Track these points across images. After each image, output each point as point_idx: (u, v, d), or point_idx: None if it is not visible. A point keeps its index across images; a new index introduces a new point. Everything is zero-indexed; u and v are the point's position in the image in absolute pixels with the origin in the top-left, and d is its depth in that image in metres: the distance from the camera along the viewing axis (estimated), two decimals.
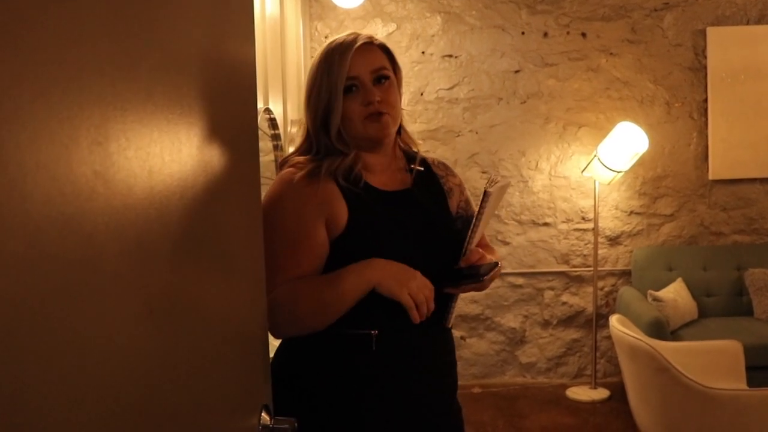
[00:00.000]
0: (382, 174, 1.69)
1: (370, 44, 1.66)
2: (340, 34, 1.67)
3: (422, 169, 1.75)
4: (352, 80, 1.60)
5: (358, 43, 1.61)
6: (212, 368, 0.98)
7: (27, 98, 0.53)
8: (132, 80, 0.71)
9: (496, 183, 1.60)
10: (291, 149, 3.66)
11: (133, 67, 0.72)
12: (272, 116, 3.38)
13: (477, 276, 1.57)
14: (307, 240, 1.56)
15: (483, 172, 4.81)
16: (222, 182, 1.02)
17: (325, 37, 4.81)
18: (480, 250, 1.67)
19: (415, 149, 1.77)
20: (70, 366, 0.60)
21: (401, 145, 1.77)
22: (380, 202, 1.64)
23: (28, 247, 0.53)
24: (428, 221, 1.68)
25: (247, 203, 1.15)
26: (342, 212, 1.58)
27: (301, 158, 1.65)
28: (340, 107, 1.60)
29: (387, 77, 1.65)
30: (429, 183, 1.76)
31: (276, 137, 3.47)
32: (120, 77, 0.68)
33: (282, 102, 3.78)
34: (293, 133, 3.80)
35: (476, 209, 1.60)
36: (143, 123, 0.73)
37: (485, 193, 1.56)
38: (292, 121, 3.89)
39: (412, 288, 1.51)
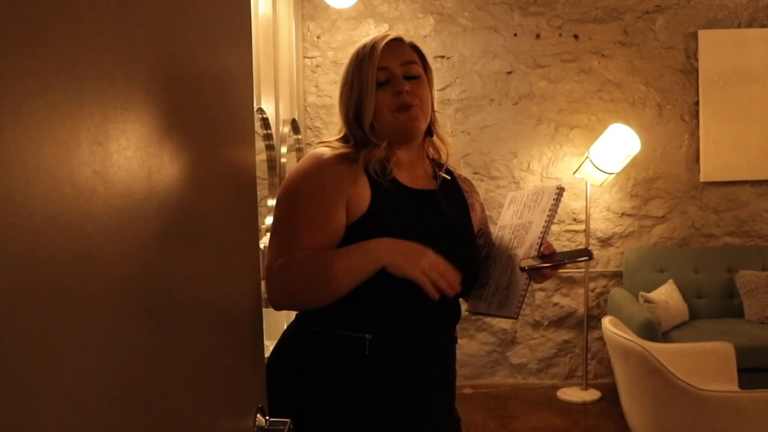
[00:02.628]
0: (410, 171, 1.70)
1: (400, 41, 1.69)
2: (371, 36, 1.71)
3: (449, 177, 1.77)
4: (382, 71, 1.63)
5: (389, 38, 1.66)
6: (208, 370, 0.97)
7: (28, 97, 0.52)
8: (132, 79, 0.70)
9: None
10: (284, 149, 3.67)
11: (133, 66, 0.71)
12: (264, 116, 3.37)
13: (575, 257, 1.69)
14: (326, 217, 1.55)
15: (474, 173, 4.82)
16: (219, 183, 1.01)
17: (317, 38, 4.81)
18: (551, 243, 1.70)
19: (444, 154, 1.79)
20: (69, 366, 0.59)
21: (430, 151, 1.80)
22: (404, 197, 1.64)
23: (28, 248, 0.52)
24: (449, 225, 1.68)
25: (244, 205, 1.15)
26: (365, 196, 1.57)
27: (336, 142, 1.67)
28: (374, 99, 1.62)
29: (417, 75, 1.68)
30: (453, 192, 1.78)
31: (268, 137, 3.46)
32: (120, 76, 0.67)
33: (274, 102, 3.77)
34: (285, 133, 3.79)
35: (552, 204, 1.69)
36: (143, 122, 0.72)
37: (561, 190, 1.70)
38: (284, 120, 3.88)
39: (424, 265, 1.46)
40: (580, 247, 1.71)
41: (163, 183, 0.78)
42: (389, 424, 1.58)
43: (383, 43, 1.63)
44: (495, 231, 1.84)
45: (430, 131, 1.76)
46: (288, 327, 1.73)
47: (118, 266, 0.68)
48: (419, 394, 1.62)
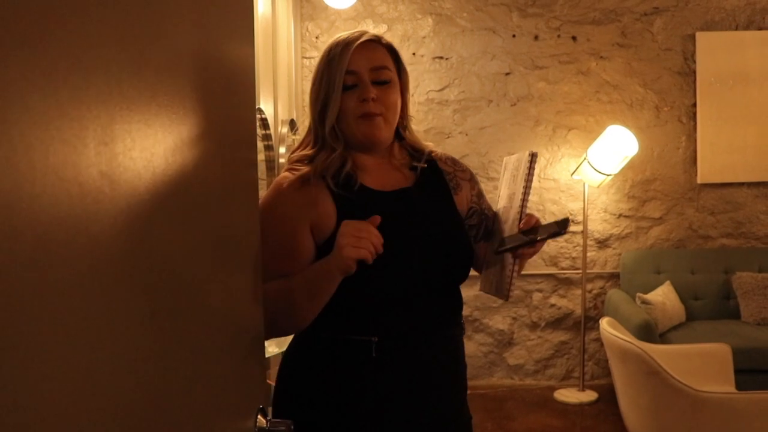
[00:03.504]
0: (378, 174, 1.65)
1: (376, 42, 1.63)
2: (348, 31, 1.66)
3: (425, 165, 1.70)
4: (351, 75, 1.58)
5: (362, 39, 1.60)
6: (210, 371, 0.98)
7: (37, 98, 0.52)
8: (138, 81, 0.71)
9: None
10: (282, 150, 3.67)
11: (139, 67, 0.71)
12: (263, 116, 3.37)
13: (541, 235, 1.56)
14: (290, 244, 1.55)
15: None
16: (222, 184, 1.02)
17: (316, 38, 4.81)
18: (535, 214, 1.64)
19: (424, 152, 1.73)
20: (74, 366, 0.60)
21: (407, 145, 1.73)
22: (374, 204, 1.59)
23: (36, 248, 0.53)
24: (428, 220, 1.64)
25: (246, 205, 1.15)
26: (330, 215, 1.55)
27: (298, 157, 1.65)
28: (338, 101, 1.58)
29: (387, 80, 1.62)
30: (434, 180, 1.71)
31: (267, 137, 3.46)
32: (126, 78, 0.68)
33: (273, 102, 3.77)
34: (284, 134, 3.79)
35: (526, 173, 1.62)
36: (148, 123, 0.72)
37: (533, 155, 1.63)
38: (282, 121, 3.88)
39: (360, 243, 1.42)
40: (560, 219, 1.61)
41: (167, 184, 0.78)
42: (398, 425, 1.58)
43: (355, 45, 1.59)
44: (496, 200, 1.79)
45: (401, 136, 1.71)
46: (298, 335, 1.71)
47: (123, 267, 0.68)
48: (427, 391, 1.61)
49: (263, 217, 1.52)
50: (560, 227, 1.58)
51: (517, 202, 1.62)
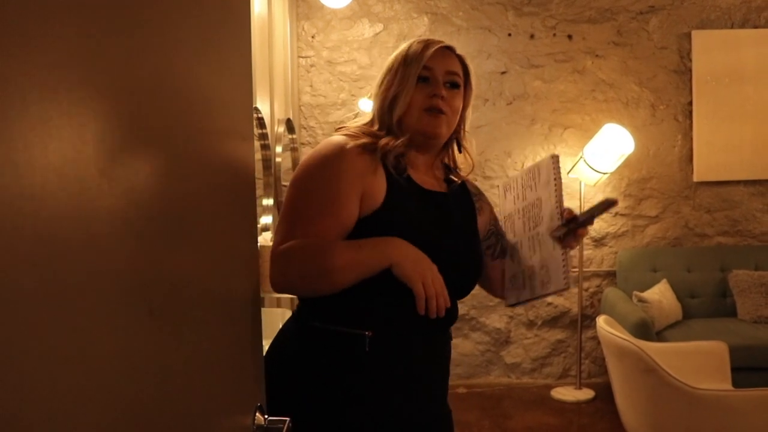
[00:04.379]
0: (421, 172, 1.71)
1: (452, 50, 1.72)
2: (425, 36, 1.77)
3: (458, 181, 1.79)
4: (426, 70, 1.66)
5: (443, 44, 1.69)
6: (208, 368, 0.97)
7: (35, 97, 0.52)
8: (137, 77, 0.70)
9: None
10: (279, 149, 3.66)
11: (138, 64, 0.71)
12: (260, 115, 3.37)
13: (591, 218, 1.66)
14: (340, 207, 1.53)
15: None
16: (220, 182, 1.02)
17: (312, 37, 4.80)
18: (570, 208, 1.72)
19: (466, 169, 1.82)
20: (72, 364, 0.59)
21: (448, 159, 1.81)
22: (417, 196, 1.65)
23: (36, 247, 0.53)
24: (457, 228, 1.70)
25: (243, 204, 1.15)
26: (381, 190, 1.57)
27: (359, 128, 1.68)
28: (411, 92, 1.64)
29: (458, 85, 1.70)
30: (463, 197, 1.80)
31: (263, 136, 3.46)
32: (125, 74, 0.68)
33: (269, 101, 3.77)
34: (280, 133, 3.78)
35: (555, 175, 1.71)
36: (147, 121, 0.72)
37: (556, 158, 1.73)
38: (279, 120, 3.88)
39: (427, 278, 1.47)
40: (602, 200, 1.72)
41: (166, 182, 0.78)
42: (387, 421, 1.58)
43: (437, 47, 1.67)
44: (502, 223, 1.85)
45: (457, 144, 1.79)
46: (285, 323, 1.72)
47: (122, 265, 0.68)
48: (417, 390, 1.62)
49: (316, 171, 1.57)
50: (610, 203, 1.68)
51: (552, 202, 1.70)
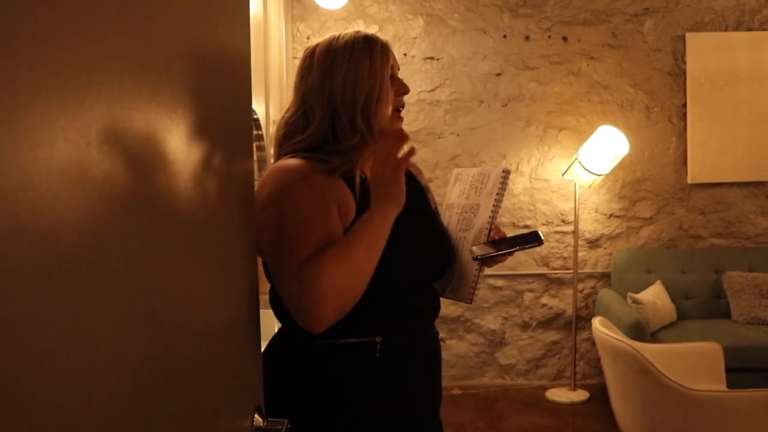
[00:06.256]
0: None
1: None
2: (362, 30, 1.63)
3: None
4: (392, 70, 1.59)
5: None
6: (208, 369, 0.98)
7: (41, 97, 0.53)
8: (139, 78, 0.71)
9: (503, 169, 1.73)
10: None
11: (140, 65, 0.71)
12: (255, 116, 3.37)
13: (530, 241, 1.67)
14: (325, 225, 1.43)
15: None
16: (219, 182, 1.02)
17: (307, 38, 4.80)
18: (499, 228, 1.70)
19: None
20: (75, 363, 0.60)
21: None
22: None
23: (39, 247, 0.53)
24: (422, 212, 1.67)
25: (242, 206, 1.15)
26: (351, 207, 1.49)
27: (302, 155, 1.54)
28: (391, 96, 1.56)
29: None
30: (409, 180, 1.67)
31: (259, 137, 3.46)
32: (128, 75, 0.68)
33: (264, 102, 3.77)
34: None
35: (499, 188, 1.69)
36: (149, 122, 0.73)
37: (507, 172, 1.70)
38: (274, 121, 3.88)
39: (388, 170, 1.45)
40: (530, 231, 1.70)
41: (167, 184, 0.78)
42: (400, 422, 1.57)
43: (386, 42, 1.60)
44: (443, 208, 1.81)
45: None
46: (277, 347, 1.62)
47: (125, 266, 0.68)
48: (423, 390, 1.62)
49: (289, 196, 1.44)
50: (536, 239, 1.67)
51: (486, 214, 1.68)
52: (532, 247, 1.68)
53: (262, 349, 1.54)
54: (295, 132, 1.58)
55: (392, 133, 1.47)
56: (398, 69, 1.64)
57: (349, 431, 1.53)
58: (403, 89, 1.61)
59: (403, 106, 1.62)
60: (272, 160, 1.63)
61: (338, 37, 1.59)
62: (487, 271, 4.77)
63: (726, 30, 4.86)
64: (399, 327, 1.56)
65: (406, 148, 1.47)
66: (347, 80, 1.53)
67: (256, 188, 1.46)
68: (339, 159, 1.51)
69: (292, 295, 1.40)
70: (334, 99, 1.53)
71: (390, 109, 1.57)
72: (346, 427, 1.53)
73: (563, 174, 4.67)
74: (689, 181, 4.88)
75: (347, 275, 1.38)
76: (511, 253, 1.66)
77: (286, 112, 1.62)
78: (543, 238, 1.68)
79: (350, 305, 1.42)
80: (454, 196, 1.80)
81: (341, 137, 1.53)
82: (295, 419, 1.45)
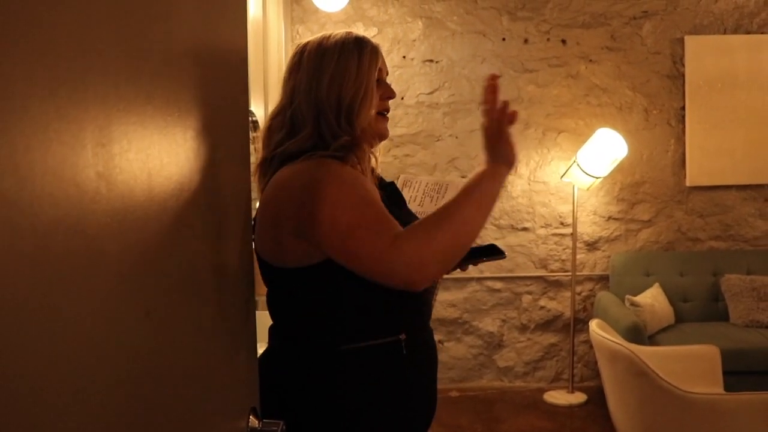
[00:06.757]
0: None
1: None
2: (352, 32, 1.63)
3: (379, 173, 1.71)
4: (380, 74, 1.60)
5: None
6: (202, 370, 0.98)
7: (36, 99, 0.53)
8: (134, 82, 0.71)
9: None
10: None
11: (135, 68, 0.72)
12: (254, 118, 3.37)
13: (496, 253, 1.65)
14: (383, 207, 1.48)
15: (462, 177, 4.82)
16: (217, 184, 1.02)
17: None
18: None
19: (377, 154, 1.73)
20: (70, 364, 0.60)
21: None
22: (391, 194, 1.64)
23: (36, 248, 0.53)
24: (410, 213, 1.68)
25: (239, 208, 1.15)
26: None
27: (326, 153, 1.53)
28: (376, 99, 1.57)
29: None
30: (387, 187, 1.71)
31: (258, 140, 3.46)
32: (123, 79, 0.68)
33: (264, 104, 3.77)
34: None
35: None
36: (144, 125, 0.73)
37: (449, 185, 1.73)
38: None
39: (494, 125, 1.66)
40: (487, 244, 1.66)
41: (162, 185, 0.79)
42: (421, 413, 1.59)
43: (376, 45, 1.60)
44: None
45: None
46: (287, 353, 1.58)
47: (120, 267, 0.69)
48: (434, 379, 1.64)
49: (351, 186, 1.45)
50: (496, 252, 1.66)
51: None
52: (496, 259, 1.66)
53: (262, 350, 1.55)
54: (281, 128, 1.59)
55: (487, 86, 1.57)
56: (387, 74, 1.64)
57: (383, 424, 1.53)
58: (388, 93, 1.61)
59: (387, 109, 1.63)
60: (259, 155, 1.63)
61: (329, 36, 1.60)
62: (486, 273, 4.82)
63: (725, 33, 4.87)
64: (416, 324, 1.57)
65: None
66: (334, 79, 1.54)
67: (288, 193, 1.48)
68: (359, 164, 1.55)
69: (391, 265, 1.41)
70: (320, 97, 1.54)
71: (373, 112, 1.58)
72: (379, 422, 1.52)
73: (562, 176, 4.68)
74: (688, 183, 4.88)
75: (455, 234, 1.44)
76: (472, 263, 1.64)
77: (276, 106, 1.65)
78: (503, 251, 1.65)
79: (455, 263, 1.51)
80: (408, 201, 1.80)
81: (327, 138, 1.53)
82: (316, 428, 1.46)
